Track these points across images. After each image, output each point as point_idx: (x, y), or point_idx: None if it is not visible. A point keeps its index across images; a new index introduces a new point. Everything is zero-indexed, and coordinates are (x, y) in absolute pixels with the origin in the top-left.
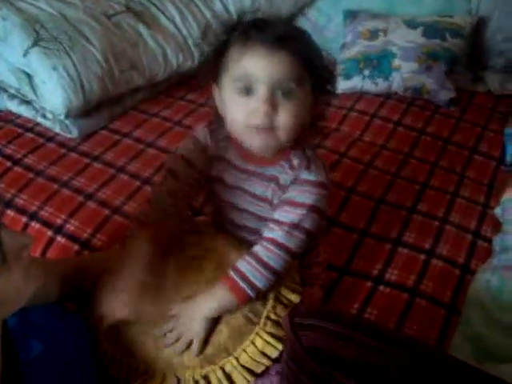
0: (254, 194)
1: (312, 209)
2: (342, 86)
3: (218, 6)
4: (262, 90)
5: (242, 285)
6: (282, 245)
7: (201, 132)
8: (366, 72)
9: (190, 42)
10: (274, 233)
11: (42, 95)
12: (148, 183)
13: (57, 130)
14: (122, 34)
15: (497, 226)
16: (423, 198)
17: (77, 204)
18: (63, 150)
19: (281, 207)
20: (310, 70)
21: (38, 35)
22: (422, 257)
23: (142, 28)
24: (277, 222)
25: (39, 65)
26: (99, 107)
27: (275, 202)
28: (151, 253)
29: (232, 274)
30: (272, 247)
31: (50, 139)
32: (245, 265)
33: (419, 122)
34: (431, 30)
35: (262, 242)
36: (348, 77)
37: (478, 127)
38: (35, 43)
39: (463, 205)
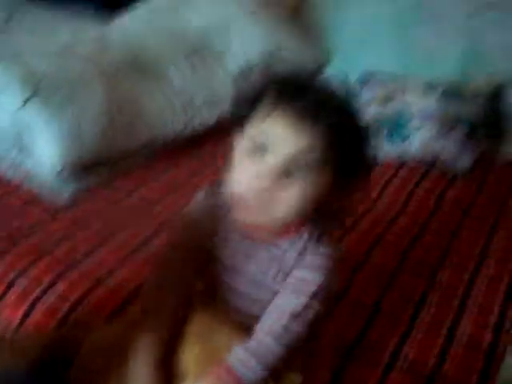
0: (253, 276)
1: (318, 295)
2: None
3: (230, 66)
4: (270, 160)
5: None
6: (280, 338)
7: (199, 197)
8: (381, 136)
9: (194, 104)
10: (273, 324)
11: (36, 149)
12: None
13: (49, 189)
14: (125, 89)
15: None
16: (442, 271)
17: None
18: (53, 212)
19: (283, 292)
20: (340, 154)
21: (38, 88)
22: (443, 335)
23: (146, 85)
24: (277, 309)
25: (35, 116)
26: (98, 165)
27: (276, 285)
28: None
29: (223, 368)
30: (269, 340)
31: (40, 202)
32: (237, 359)
33: (437, 190)
34: (449, 94)
35: (258, 332)
36: None
37: (499, 197)
38: (33, 95)
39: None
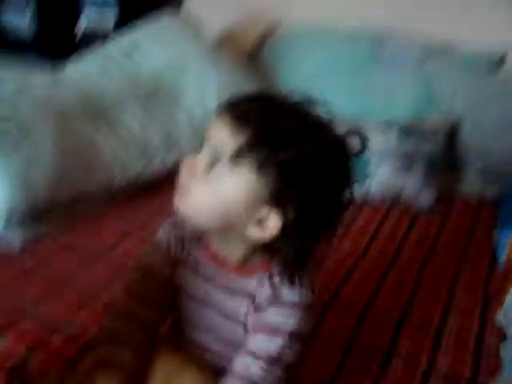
0: (223, 311)
1: (294, 337)
2: None
3: (182, 116)
4: (203, 151)
5: None
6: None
7: (163, 231)
8: None
9: (151, 148)
10: (247, 367)
11: None
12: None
13: None
14: (78, 134)
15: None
16: (412, 306)
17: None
18: (3, 261)
19: (256, 334)
20: (278, 164)
21: None
22: (420, 369)
23: (98, 130)
24: (251, 353)
25: None
26: (48, 212)
27: (249, 323)
28: None
29: None
30: None
31: None
32: None
33: (401, 227)
34: (406, 132)
35: (232, 376)
36: None
37: (463, 232)
38: None
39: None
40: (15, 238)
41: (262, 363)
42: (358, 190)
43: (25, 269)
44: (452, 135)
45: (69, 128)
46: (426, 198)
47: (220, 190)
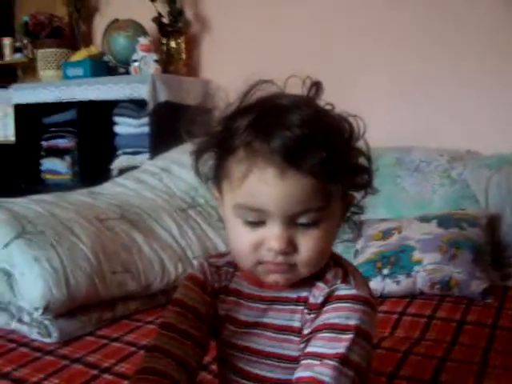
0: (277, 326)
1: (359, 332)
2: None
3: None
4: (274, 227)
5: None
6: None
7: (198, 267)
8: (385, 271)
9: (189, 253)
10: (314, 371)
11: (20, 290)
12: None
13: (34, 335)
14: (115, 236)
15: None
16: None
17: None
18: (38, 354)
19: (317, 335)
20: (339, 179)
21: (24, 229)
22: None
23: (136, 234)
24: (315, 355)
25: (20, 256)
26: (86, 310)
27: (306, 331)
28: None
29: None
30: None
31: (25, 345)
32: None
33: (456, 314)
34: (446, 221)
35: None
36: None
37: None
38: (19, 235)
39: None
40: (53, 332)
41: (329, 363)
42: (405, 281)
43: (61, 358)
44: (493, 228)
45: (107, 230)
46: (477, 286)
47: (320, 239)
